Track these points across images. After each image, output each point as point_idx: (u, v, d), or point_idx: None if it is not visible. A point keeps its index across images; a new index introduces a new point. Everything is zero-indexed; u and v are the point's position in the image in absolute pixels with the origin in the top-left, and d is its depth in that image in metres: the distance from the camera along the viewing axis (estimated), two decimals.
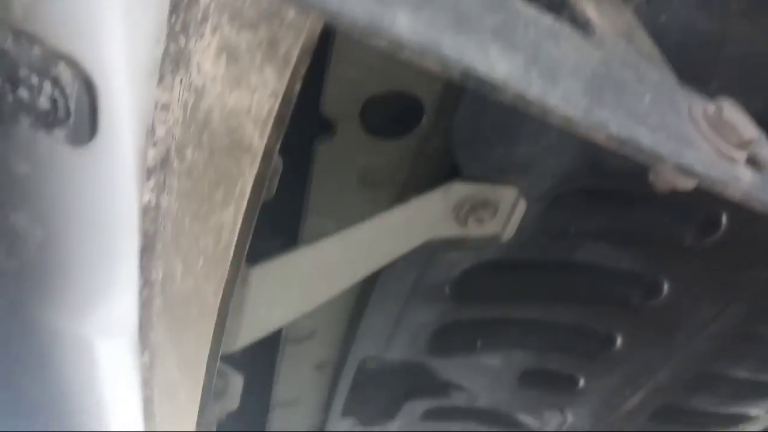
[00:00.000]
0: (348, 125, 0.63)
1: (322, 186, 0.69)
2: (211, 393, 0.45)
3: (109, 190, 0.49)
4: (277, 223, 0.64)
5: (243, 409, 0.97)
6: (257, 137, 0.31)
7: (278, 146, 0.31)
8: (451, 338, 0.94)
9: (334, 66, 0.57)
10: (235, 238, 0.35)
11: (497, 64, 0.22)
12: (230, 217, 0.34)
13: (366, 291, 0.85)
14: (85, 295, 0.58)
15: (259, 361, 0.99)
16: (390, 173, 0.69)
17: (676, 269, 0.82)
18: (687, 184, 0.31)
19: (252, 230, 0.36)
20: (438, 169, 0.68)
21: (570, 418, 1.13)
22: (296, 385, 1.05)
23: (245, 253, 0.36)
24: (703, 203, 0.73)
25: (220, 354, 0.42)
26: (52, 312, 0.60)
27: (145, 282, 0.53)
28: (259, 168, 0.31)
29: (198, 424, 0.47)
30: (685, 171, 0.27)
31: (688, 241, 0.77)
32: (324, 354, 0.99)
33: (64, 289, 0.58)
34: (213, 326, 0.39)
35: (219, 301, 0.38)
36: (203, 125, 0.35)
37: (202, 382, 0.44)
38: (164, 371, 0.53)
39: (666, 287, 0.84)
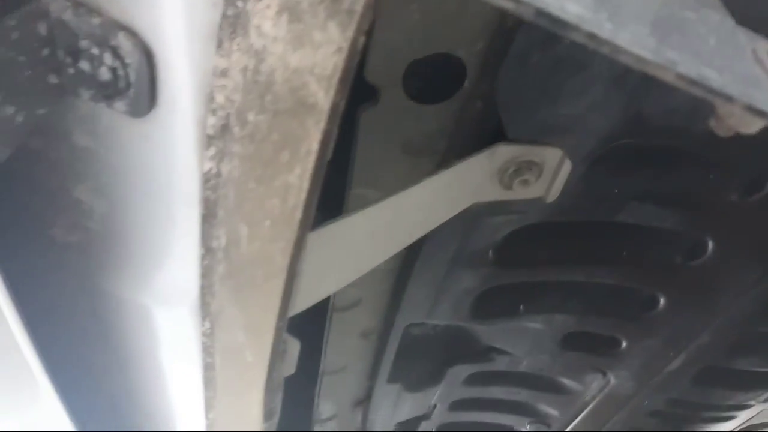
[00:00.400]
0: (391, 92, 0.63)
1: (367, 155, 0.70)
2: (279, 353, 0.47)
3: (169, 159, 0.50)
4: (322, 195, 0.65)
5: (293, 378, 1.00)
6: (322, 95, 0.31)
7: (343, 103, 0.32)
8: (493, 303, 0.95)
9: (377, 32, 0.57)
10: (304, 198, 0.36)
11: (567, 5, 0.23)
12: (296, 179, 0.36)
13: (411, 258, 0.86)
14: (146, 264, 0.60)
15: (308, 331, 1.02)
16: (433, 139, 0.70)
17: (721, 228, 0.81)
18: (751, 127, 0.31)
19: (319, 189, 0.37)
20: (480, 133, 0.68)
21: (612, 380, 1.13)
22: (343, 353, 1.08)
23: (313, 213, 0.37)
24: (750, 159, 0.73)
25: (287, 315, 0.44)
26: (114, 282, 0.62)
27: (207, 250, 0.55)
28: (326, 126, 0.32)
29: (267, 387, 0.49)
30: (755, 112, 0.27)
31: (734, 199, 0.77)
32: (369, 322, 1.01)
33: (126, 259, 0.60)
34: (282, 286, 0.41)
35: (288, 260, 0.39)
36: (265, 88, 0.36)
37: (270, 343, 0.46)
38: (228, 336, 0.55)
39: (710, 247, 0.83)
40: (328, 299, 0.96)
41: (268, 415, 0.50)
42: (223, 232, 0.49)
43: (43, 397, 0.68)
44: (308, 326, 1.00)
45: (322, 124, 0.33)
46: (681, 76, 0.25)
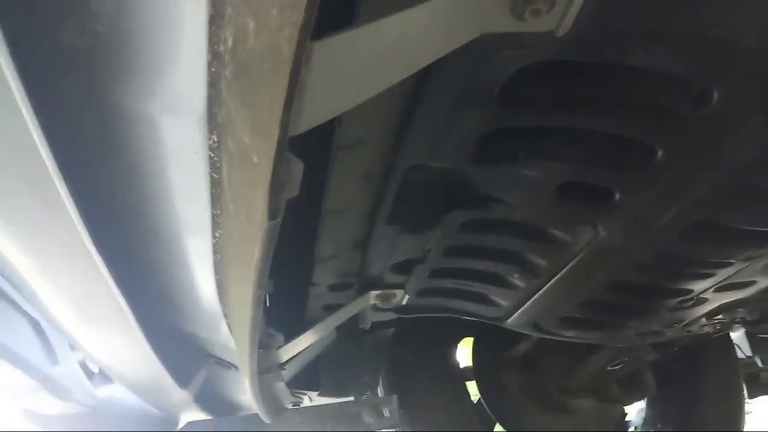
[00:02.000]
0: None
1: None
2: (285, 152, 0.49)
3: None
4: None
5: (296, 218, 1.04)
6: None
7: None
8: (494, 147, 0.96)
9: None
10: None
11: None
12: None
13: (416, 96, 0.86)
14: (153, 71, 0.60)
15: (311, 170, 1.04)
16: None
17: (730, 75, 0.80)
18: None
19: None
20: None
21: (602, 232, 1.18)
22: (345, 193, 1.11)
23: None
24: None
25: (293, 107, 0.45)
26: (121, 92, 0.63)
27: (214, 55, 0.56)
28: None
29: (272, 184, 0.51)
30: None
31: (748, 45, 0.75)
32: (372, 163, 1.03)
33: (133, 66, 0.60)
34: (288, 76, 0.42)
35: (294, 47, 0.40)
36: None
37: (276, 141, 0.47)
38: (234, 143, 0.57)
39: (716, 95, 0.83)
40: (331, 137, 0.97)
41: (272, 214, 0.53)
42: (231, 31, 0.49)
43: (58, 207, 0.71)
44: (311, 166, 1.02)
45: None
46: None
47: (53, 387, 1.32)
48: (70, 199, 0.67)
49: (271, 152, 0.48)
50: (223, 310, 1.04)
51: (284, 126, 0.46)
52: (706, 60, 0.78)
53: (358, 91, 0.63)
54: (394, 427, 1.91)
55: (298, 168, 0.71)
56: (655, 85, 0.85)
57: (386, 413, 1.63)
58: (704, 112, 0.85)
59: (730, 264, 1.30)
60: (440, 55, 0.69)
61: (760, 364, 2.95)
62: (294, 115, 0.53)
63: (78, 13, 0.56)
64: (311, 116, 0.60)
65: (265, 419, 1.53)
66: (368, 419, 1.62)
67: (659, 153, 0.94)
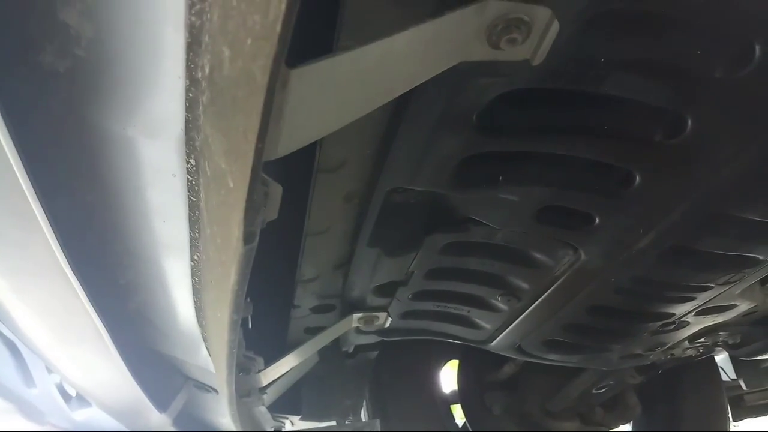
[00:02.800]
0: None
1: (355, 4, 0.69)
2: (259, 177, 0.49)
3: None
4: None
5: (278, 241, 1.04)
6: None
7: None
8: (474, 171, 0.97)
9: None
10: (283, 11, 0.37)
11: None
12: None
13: (395, 121, 0.87)
14: (132, 94, 0.61)
15: (293, 193, 1.04)
16: None
17: (702, 104, 0.82)
18: None
19: (298, 5, 0.37)
20: None
21: (583, 256, 1.19)
22: (326, 215, 1.11)
23: (292, 26, 0.38)
24: (738, 33, 0.73)
25: (269, 133, 0.46)
26: (101, 113, 0.63)
27: (192, 81, 0.56)
28: None
29: (247, 208, 0.52)
30: None
31: (719, 75, 0.77)
32: (353, 185, 1.04)
33: (112, 88, 0.61)
34: (262, 103, 0.42)
35: (268, 76, 0.40)
36: None
37: (251, 166, 0.48)
38: (211, 165, 0.57)
39: (690, 124, 0.85)
40: (313, 160, 0.98)
41: (247, 239, 0.53)
42: (207, 59, 0.50)
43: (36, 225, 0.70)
44: (293, 189, 1.03)
45: None
46: None
47: (28, 410, 1.30)
48: (45, 219, 0.67)
49: (246, 178, 0.48)
50: (202, 333, 1.03)
51: (259, 152, 0.46)
52: (679, 90, 0.80)
53: (336, 117, 0.64)
54: None
55: (276, 191, 0.71)
56: (631, 113, 0.87)
57: None
58: (678, 140, 0.86)
59: (710, 288, 1.32)
60: (419, 82, 0.70)
61: (744, 387, 2.95)
62: (271, 140, 0.54)
63: (58, 37, 0.57)
64: (289, 141, 0.61)
65: None
66: None
67: (636, 179, 0.96)
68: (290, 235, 1.19)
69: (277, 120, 0.55)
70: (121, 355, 1.06)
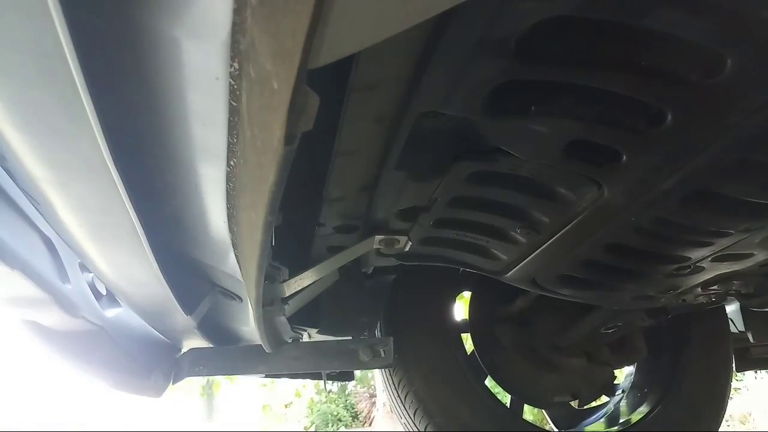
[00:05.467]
0: None
1: None
2: (304, 75, 0.51)
3: None
4: None
5: (307, 158, 1.06)
6: None
7: None
8: (507, 99, 0.98)
9: None
10: None
11: None
12: None
13: (433, 42, 0.88)
14: None
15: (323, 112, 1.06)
16: None
17: (744, 45, 0.81)
18: None
19: None
20: None
21: (606, 193, 1.20)
22: (356, 136, 1.13)
23: None
24: None
25: (315, 37, 0.47)
26: (149, 11, 0.65)
27: None
28: None
29: (291, 109, 0.54)
30: None
31: (766, 15, 0.76)
32: (385, 107, 1.04)
33: None
34: (313, 5, 0.44)
35: None
36: None
37: (297, 67, 0.50)
38: (255, 68, 0.59)
39: (729, 65, 0.84)
40: (346, 81, 0.99)
41: (289, 140, 0.56)
42: None
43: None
44: (326, 107, 1.04)
45: None
46: None
47: (65, 302, 1.37)
48: (95, 114, 0.70)
49: (292, 79, 0.50)
50: (232, 239, 1.08)
51: (306, 53, 0.48)
52: (722, 28, 0.79)
53: (379, 28, 0.65)
54: (389, 367, 1.98)
55: (314, 102, 0.73)
56: (670, 49, 0.86)
57: (382, 353, 1.69)
58: (715, 80, 0.86)
59: (729, 234, 1.33)
60: (461, 0, 0.70)
61: (751, 340, 2.99)
62: (315, 46, 0.55)
63: None
64: (332, 49, 0.62)
65: (267, 349, 1.59)
66: (364, 357, 1.68)
67: (668, 118, 0.96)
68: (319, 154, 1.22)
69: (323, 25, 0.57)
70: (154, 256, 1.11)
